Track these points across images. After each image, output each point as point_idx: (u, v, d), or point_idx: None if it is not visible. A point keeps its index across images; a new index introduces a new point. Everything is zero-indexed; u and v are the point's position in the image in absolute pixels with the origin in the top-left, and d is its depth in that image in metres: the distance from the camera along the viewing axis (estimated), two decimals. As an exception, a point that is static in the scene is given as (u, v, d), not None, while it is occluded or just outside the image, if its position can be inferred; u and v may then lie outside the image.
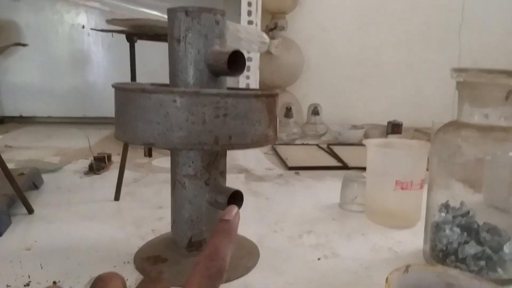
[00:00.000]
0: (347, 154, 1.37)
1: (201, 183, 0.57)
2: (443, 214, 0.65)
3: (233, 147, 0.50)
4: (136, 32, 0.79)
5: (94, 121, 1.89)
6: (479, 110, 0.56)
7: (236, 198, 0.56)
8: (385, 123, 1.68)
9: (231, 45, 0.87)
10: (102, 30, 0.87)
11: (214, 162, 0.58)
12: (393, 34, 2.04)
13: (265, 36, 0.83)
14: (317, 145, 1.54)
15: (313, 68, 2.01)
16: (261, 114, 0.52)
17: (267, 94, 0.52)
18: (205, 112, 0.48)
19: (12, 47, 0.78)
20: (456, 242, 0.62)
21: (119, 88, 0.51)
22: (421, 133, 1.74)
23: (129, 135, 0.51)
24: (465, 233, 0.62)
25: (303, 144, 1.58)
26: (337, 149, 1.45)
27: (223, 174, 0.60)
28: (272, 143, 0.56)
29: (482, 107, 0.56)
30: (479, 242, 0.61)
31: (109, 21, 0.80)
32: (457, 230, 0.63)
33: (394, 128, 1.59)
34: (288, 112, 1.62)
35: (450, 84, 2.02)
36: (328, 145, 1.53)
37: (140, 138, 0.49)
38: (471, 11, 2.05)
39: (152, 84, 0.65)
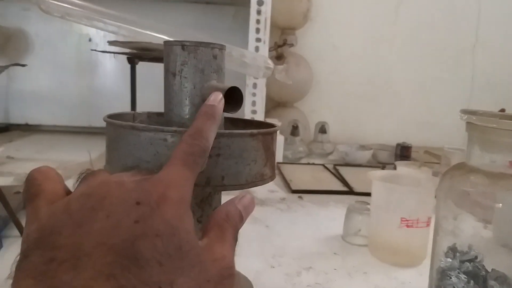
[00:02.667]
0: (353, 176, 1.34)
1: (194, 221, 0.54)
2: (449, 260, 0.61)
3: (226, 188, 0.48)
4: (137, 54, 0.77)
5: (98, 131, 1.88)
6: (489, 155, 0.53)
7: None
8: (394, 144, 1.64)
9: (236, 70, 0.86)
10: (103, 51, 0.85)
11: (207, 199, 0.55)
12: (405, 53, 2.01)
13: (269, 61, 0.81)
14: (323, 165, 1.51)
15: (322, 85, 1.98)
16: (257, 153, 0.50)
17: (263, 132, 0.50)
18: (197, 153, 0.45)
19: (11, 67, 0.77)
20: (462, 291, 0.59)
21: (109, 123, 0.49)
22: (431, 155, 1.70)
23: (118, 172, 0.48)
24: (472, 281, 0.59)
25: (308, 163, 1.55)
26: (343, 171, 1.42)
27: (217, 211, 0.57)
28: (268, 181, 0.53)
29: (492, 152, 0.53)
30: (487, 291, 0.58)
31: (111, 43, 0.78)
32: (464, 277, 0.60)
33: (403, 150, 1.55)
34: (294, 130, 1.60)
35: (463, 104, 1.97)
36: (335, 165, 1.50)
37: (128, 177, 0.47)
38: (486, 31, 2.01)
39: (149, 114, 0.63)
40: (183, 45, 0.50)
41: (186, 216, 0.23)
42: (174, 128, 0.46)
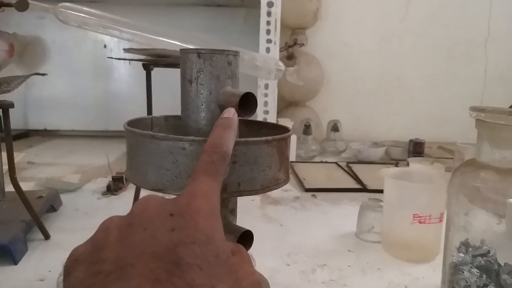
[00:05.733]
0: (366, 173, 1.35)
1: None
2: (461, 254, 0.63)
3: (242, 194, 0.49)
4: (152, 61, 0.80)
5: (115, 135, 1.92)
6: (499, 151, 0.54)
7: (246, 237, 0.56)
8: (407, 140, 1.64)
9: (248, 73, 0.88)
10: (119, 59, 0.88)
11: (224, 201, 0.57)
12: (416, 49, 2.01)
13: (280, 63, 0.82)
14: (336, 163, 1.52)
15: (333, 83, 1.99)
16: (271, 158, 0.51)
17: (278, 138, 0.52)
18: (214, 159, 0.47)
19: (32, 76, 0.79)
20: (474, 285, 0.60)
21: (129, 131, 0.52)
22: (444, 150, 1.70)
23: (139, 179, 0.51)
24: (485, 276, 0.60)
25: (321, 162, 1.56)
26: (356, 168, 1.43)
27: (233, 211, 0.59)
28: (283, 185, 0.55)
29: (501, 148, 0.54)
30: (499, 285, 0.59)
31: (126, 50, 0.81)
32: (476, 272, 0.61)
33: (416, 146, 1.56)
34: (306, 129, 1.61)
35: (476, 99, 1.94)
36: (348, 163, 1.51)
37: (149, 183, 0.49)
38: (498, 25, 1.99)
39: (166, 117, 0.66)
40: (199, 53, 0.52)
41: (218, 225, 0.23)
42: (192, 138, 0.48)
